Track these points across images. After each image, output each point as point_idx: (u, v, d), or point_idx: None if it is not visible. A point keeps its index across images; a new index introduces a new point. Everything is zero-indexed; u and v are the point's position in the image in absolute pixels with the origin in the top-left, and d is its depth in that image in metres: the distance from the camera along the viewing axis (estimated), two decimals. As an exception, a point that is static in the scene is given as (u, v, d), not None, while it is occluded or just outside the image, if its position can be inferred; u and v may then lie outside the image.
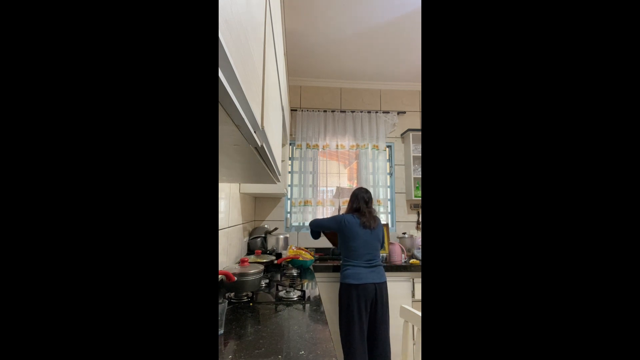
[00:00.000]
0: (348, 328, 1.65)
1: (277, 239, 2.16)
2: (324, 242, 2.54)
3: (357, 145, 2.66)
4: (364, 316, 1.66)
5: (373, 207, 1.87)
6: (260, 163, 0.77)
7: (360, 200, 1.82)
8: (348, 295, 1.68)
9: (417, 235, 2.51)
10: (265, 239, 2.15)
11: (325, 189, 2.67)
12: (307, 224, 2.54)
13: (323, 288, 1.99)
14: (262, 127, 0.57)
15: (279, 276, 1.66)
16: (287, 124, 2.00)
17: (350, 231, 1.74)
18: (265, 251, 2.10)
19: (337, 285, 1.95)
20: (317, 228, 1.91)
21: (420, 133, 2.58)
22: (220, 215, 1.41)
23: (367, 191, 1.87)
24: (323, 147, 2.64)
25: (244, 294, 1.20)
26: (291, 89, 2.70)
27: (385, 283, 1.74)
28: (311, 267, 1.92)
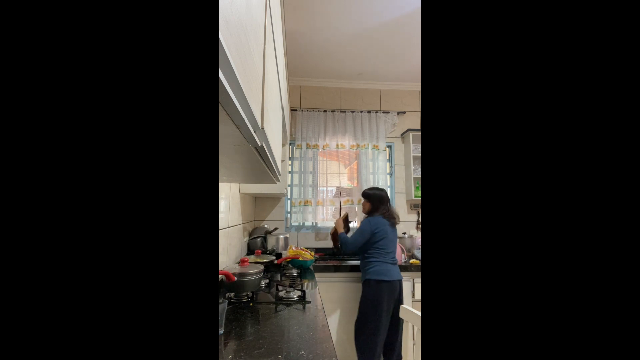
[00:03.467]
0: (374, 326, 1.63)
1: (277, 239, 2.15)
2: (323, 242, 2.54)
3: (357, 145, 2.66)
4: (388, 313, 1.67)
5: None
6: (260, 163, 0.77)
7: (386, 201, 1.87)
8: (378, 291, 1.67)
9: (417, 235, 2.51)
10: (265, 239, 2.15)
11: (325, 189, 2.67)
12: (307, 223, 2.55)
13: (323, 288, 1.99)
14: (262, 127, 0.57)
15: (279, 276, 1.66)
16: (287, 124, 2.00)
17: (384, 232, 1.78)
18: (265, 251, 2.10)
19: (337, 285, 1.95)
20: (355, 248, 1.82)
21: (420, 133, 2.58)
22: (220, 216, 1.41)
23: (383, 189, 1.93)
24: (323, 147, 2.63)
25: (244, 294, 1.20)
26: (291, 89, 2.70)
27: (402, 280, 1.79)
28: (311, 267, 1.92)
